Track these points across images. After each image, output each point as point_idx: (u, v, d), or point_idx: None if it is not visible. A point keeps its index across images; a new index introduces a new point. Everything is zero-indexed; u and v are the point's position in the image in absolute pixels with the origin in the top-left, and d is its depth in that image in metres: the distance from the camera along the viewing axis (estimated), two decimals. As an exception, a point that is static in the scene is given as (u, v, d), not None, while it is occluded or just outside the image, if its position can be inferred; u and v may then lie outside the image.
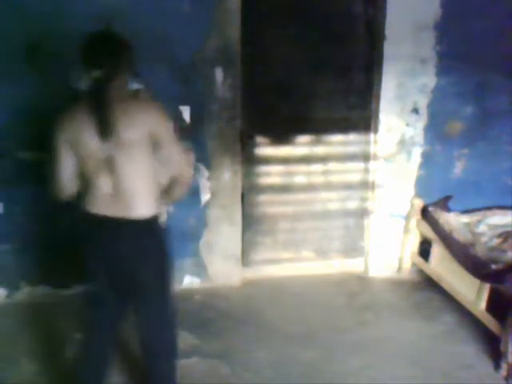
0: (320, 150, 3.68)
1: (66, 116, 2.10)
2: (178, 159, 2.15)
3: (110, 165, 2.05)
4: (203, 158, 3.44)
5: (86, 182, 2.14)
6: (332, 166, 3.73)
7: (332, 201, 3.80)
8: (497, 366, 2.81)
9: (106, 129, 1.99)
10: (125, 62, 2.10)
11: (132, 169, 2.07)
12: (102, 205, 2.11)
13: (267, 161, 3.64)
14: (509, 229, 3.40)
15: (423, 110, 3.62)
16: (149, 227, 2.14)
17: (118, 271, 2.18)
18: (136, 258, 2.15)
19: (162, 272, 2.25)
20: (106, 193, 2.09)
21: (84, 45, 2.05)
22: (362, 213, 3.84)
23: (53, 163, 2.14)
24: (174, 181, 2.19)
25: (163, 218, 2.33)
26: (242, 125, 3.47)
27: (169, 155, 2.12)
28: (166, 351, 2.34)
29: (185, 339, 2.99)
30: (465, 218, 3.56)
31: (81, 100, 2.09)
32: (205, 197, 3.51)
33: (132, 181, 2.08)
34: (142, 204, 2.10)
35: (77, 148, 2.07)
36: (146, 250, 2.15)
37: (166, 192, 2.23)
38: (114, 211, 2.09)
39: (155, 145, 2.08)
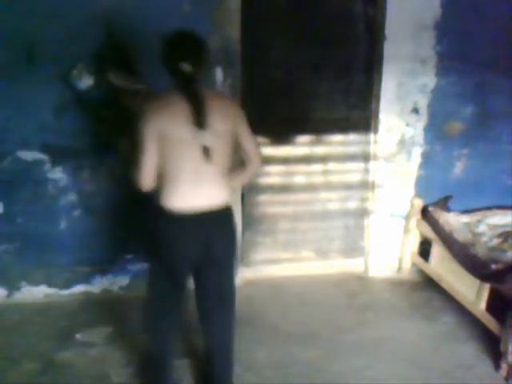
0: (320, 149, 3.68)
1: (154, 105, 2.19)
2: (254, 150, 2.35)
3: (208, 156, 2.15)
4: (203, 158, 3.44)
5: (166, 177, 2.18)
6: (332, 166, 3.73)
7: (332, 201, 3.80)
8: (497, 366, 2.81)
9: (202, 118, 2.11)
10: (206, 62, 2.23)
11: (221, 160, 2.21)
12: (186, 198, 2.18)
13: (267, 161, 3.63)
14: (509, 229, 3.40)
15: (423, 110, 3.62)
16: (228, 214, 2.31)
17: (201, 260, 2.29)
18: (219, 243, 2.28)
19: (234, 254, 2.41)
20: (190, 186, 2.17)
21: (172, 41, 2.17)
22: (362, 213, 3.84)
23: (140, 153, 2.16)
24: (245, 167, 2.38)
25: None
26: (242, 125, 3.47)
27: (246, 146, 2.31)
28: (228, 349, 2.51)
29: (185, 339, 2.99)
30: (465, 218, 3.56)
31: (169, 92, 2.18)
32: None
33: (219, 171, 2.22)
34: (222, 194, 2.26)
35: (168, 139, 2.12)
36: (226, 235, 2.32)
37: (234, 175, 2.39)
38: (198, 203, 2.19)
39: (236, 136, 2.26)
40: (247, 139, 2.31)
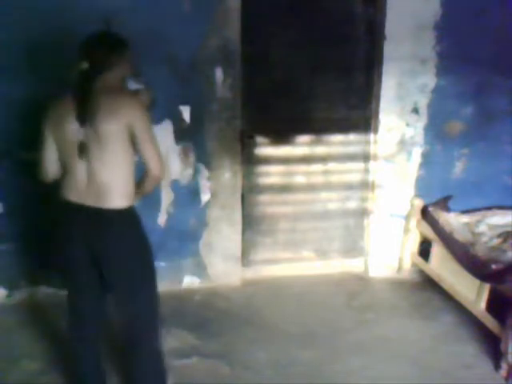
0: (320, 149, 3.68)
1: (52, 104, 2.23)
2: (151, 156, 2.18)
3: (83, 152, 2.13)
4: (203, 157, 3.45)
5: (64, 170, 2.24)
6: (332, 166, 3.73)
7: (332, 201, 3.79)
8: (497, 366, 2.81)
9: (82, 114, 2.10)
10: (118, 60, 2.19)
11: (106, 160, 2.13)
12: (77, 193, 2.19)
13: (267, 161, 3.64)
14: (509, 229, 3.40)
15: (423, 110, 3.62)
16: (122, 217, 2.20)
17: (92, 259, 2.24)
18: (109, 247, 2.20)
19: (138, 261, 2.27)
20: (81, 181, 2.17)
21: (81, 41, 2.20)
22: (362, 213, 3.84)
23: (40, 148, 2.26)
24: (145, 176, 2.24)
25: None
26: (242, 125, 3.47)
27: (143, 151, 2.17)
28: (145, 339, 2.35)
29: (185, 339, 3.00)
30: (465, 218, 3.56)
31: (68, 92, 2.19)
32: (205, 197, 3.51)
33: (106, 172, 2.14)
34: (115, 195, 2.16)
35: (58, 134, 2.18)
36: (119, 239, 2.20)
37: (137, 186, 2.28)
38: (88, 200, 2.17)
39: (132, 140, 2.16)
40: (145, 146, 2.16)
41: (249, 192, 3.65)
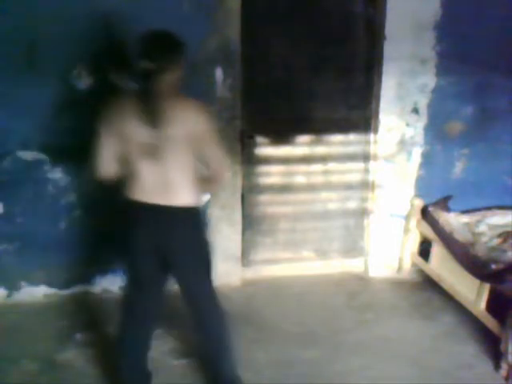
0: (320, 149, 3.68)
1: (112, 105, 2.22)
2: (217, 159, 2.27)
3: (154, 154, 2.15)
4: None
5: (130, 171, 2.24)
6: (332, 165, 3.73)
7: (332, 201, 3.79)
8: (497, 366, 2.81)
9: (153, 119, 2.10)
10: (177, 61, 2.20)
11: (175, 161, 2.19)
12: (146, 192, 2.21)
13: (267, 161, 3.64)
14: (509, 229, 3.40)
15: (423, 110, 3.62)
16: (189, 215, 2.29)
17: (159, 256, 2.30)
18: (171, 243, 2.28)
19: (201, 256, 2.39)
20: (149, 181, 2.20)
21: (142, 39, 2.16)
22: (362, 213, 3.84)
23: (96, 147, 2.25)
24: (209, 178, 2.32)
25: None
26: (242, 125, 3.47)
27: (209, 155, 2.25)
28: (220, 341, 2.49)
29: (185, 339, 2.99)
30: (465, 218, 3.56)
31: (128, 92, 2.23)
32: (205, 197, 3.51)
33: (175, 172, 2.20)
34: (183, 194, 2.24)
35: (121, 136, 2.17)
36: (186, 235, 2.30)
37: (200, 186, 2.34)
38: (156, 199, 2.21)
39: (197, 143, 2.20)
40: (212, 149, 2.25)
41: (249, 192, 3.65)
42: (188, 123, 2.16)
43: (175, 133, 2.14)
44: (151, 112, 2.10)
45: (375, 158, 3.70)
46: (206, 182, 2.33)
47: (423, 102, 3.61)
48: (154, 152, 2.14)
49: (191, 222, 2.32)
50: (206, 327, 2.46)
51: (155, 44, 2.15)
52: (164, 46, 2.16)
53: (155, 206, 2.21)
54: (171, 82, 2.18)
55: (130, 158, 2.21)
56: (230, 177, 3.49)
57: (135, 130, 2.14)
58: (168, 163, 2.17)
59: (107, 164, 2.27)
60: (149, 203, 2.22)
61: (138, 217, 2.25)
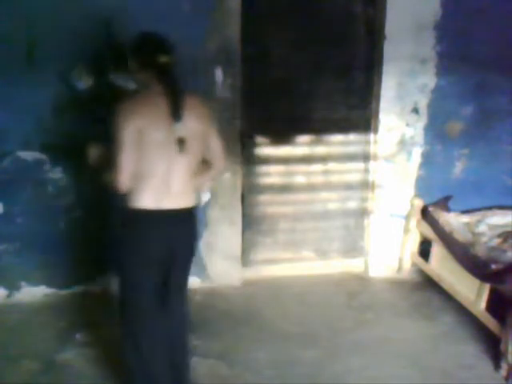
0: (320, 149, 3.68)
1: (128, 106, 2.14)
2: (220, 152, 2.34)
3: (182, 149, 2.13)
4: (203, 157, 3.45)
5: (138, 177, 2.15)
6: (332, 165, 3.73)
7: (332, 201, 3.79)
8: (497, 366, 2.81)
9: (178, 108, 2.11)
10: (175, 58, 2.22)
11: (191, 159, 2.20)
12: (156, 198, 2.17)
13: (267, 161, 3.64)
14: (509, 229, 3.40)
15: (423, 110, 3.62)
16: (193, 215, 2.33)
17: (168, 260, 2.29)
18: (186, 244, 2.34)
19: (193, 254, 2.43)
20: (162, 183, 2.16)
21: (145, 36, 2.20)
22: (362, 213, 3.84)
23: (117, 156, 2.11)
24: (208, 168, 2.35)
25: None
26: (242, 125, 3.47)
27: (214, 148, 2.30)
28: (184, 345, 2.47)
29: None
30: (465, 218, 3.56)
31: (145, 91, 2.18)
32: (205, 197, 3.51)
33: (186, 171, 2.20)
34: (189, 195, 2.27)
35: (145, 136, 2.09)
36: (192, 236, 2.38)
37: (197, 177, 2.33)
38: (167, 203, 2.19)
39: (207, 136, 2.25)
40: (216, 141, 2.31)
41: (249, 192, 3.65)
42: (202, 117, 2.21)
43: (194, 128, 2.17)
44: (177, 105, 2.11)
45: (375, 157, 3.70)
46: (203, 174, 2.35)
47: (423, 102, 3.61)
48: (183, 146, 2.13)
49: (193, 221, 2.35)
50: (173, 319, 2.40)
51: (162, 40, 2.18)
52: (168, 42, 2.20)
53: (166, 212, 2.20)
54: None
55: (148, 161, 2.12)
56: (230, 177, 3.50)
57: (165, 126, 2.10)
58: (187, 159, 2.18)
59: (128, 174, 2.12)
60: (160, 210, 2.18)
61: (150, 225, 2.20)
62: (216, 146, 2.31)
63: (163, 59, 2.14)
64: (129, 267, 2.28)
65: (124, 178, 2.13)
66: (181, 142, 2.12)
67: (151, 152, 2.12)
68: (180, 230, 2.27)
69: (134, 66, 2.22)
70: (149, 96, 2.15)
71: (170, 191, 2.19)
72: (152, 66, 2.14)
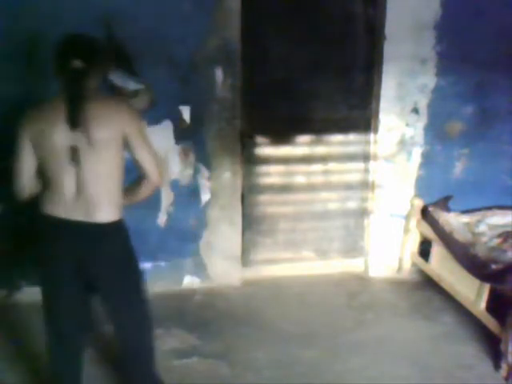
0: (320, 149, 3.68)
1: (32, 111, 2.09)
2: (149, 163, 2.11)
3: (75, 159, 2.00)
4: (203, 158, 3.45)
5: (47, 184, 2.09)
6: (332, 165, 3.73)
7: (332, 201, 3.79)
8: (497, 366, 2.81)
9: (75, 117, 1.97)
10: (99, 62, 2.11)
11: (98, 169, 2.04)
12: (64, 207, 2.06)
13: (267, 161, 3.64)
14: (509, 229, 3.40)
15: (423, 110, 3.62)
16: (113, 231, 2.13)
17: (80, 274, 2.14)
18: (98, 262, 2.12)
19: (128, 274, 2.21)
20: (68, 193, 2.05)
21: (63, 40, 2.06)
22: (362, 213, 3.84)
23: (15, 161, 2.09)
24: (141, 182, 2.16)
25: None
26: (242, 125, 3.47)
27: (140, 158, 2.10)
28: (143, 352, 2.31)
29: (185, 339, 3.00)
30: (465, 218, 3.56)
31: (54, 97, 2.07)
32: (205, 197, 3.51)
33: (97, 182, 2.05)
34: (106, 208, 2.08)
35: (43, 142, 2.02)
36: (108, 253, 2.12)
37: (129, 192, 2.19)
38: (76, 214, 2.06)
39: (126, 146, 2.08)
40: (143, 153, 2.09)
41: (249, 192, 3.65)
42: (115, 125, 2.04)
43: (101, 138, 2.00)
44: (76, 113, 1.97)
45: (375, 157, 3.70)
46: (135, 187, 2.18)
47: (423, 102, 3.61)
48: (75, 156, 1.99)
49: (116, 237, 2.14)
50: (127, 328, 2.28)
51: (83, 45, 2.07)
52: (91, 47, 2.09)
53: (75, 223, 2.06)
54: (95, 83, 2.08)
55: (50, 169, 2.05)
56: (230, 177, 3.50)
57: (57, 133, 1.99)
58: (90, 171, 2.02)
59: (29, 180, 2.09)
60: (67, 220, 2.05)
61: (57, 235, 2.09)
62: (144, 157, 2.09)
63: (74, 65, 1.99)
64: (41, 279, 2.20)
65: (22, 184, 2.10)
66: (73, 152, 1.99)
67: (49, 159, 2.04)
68: (97, 247, 2.09)
69: (53, 69, 2.08)
70: (54, 102, 2.04)
71: (79, 202, 2.05)
72: (62, 71, 2.02)
